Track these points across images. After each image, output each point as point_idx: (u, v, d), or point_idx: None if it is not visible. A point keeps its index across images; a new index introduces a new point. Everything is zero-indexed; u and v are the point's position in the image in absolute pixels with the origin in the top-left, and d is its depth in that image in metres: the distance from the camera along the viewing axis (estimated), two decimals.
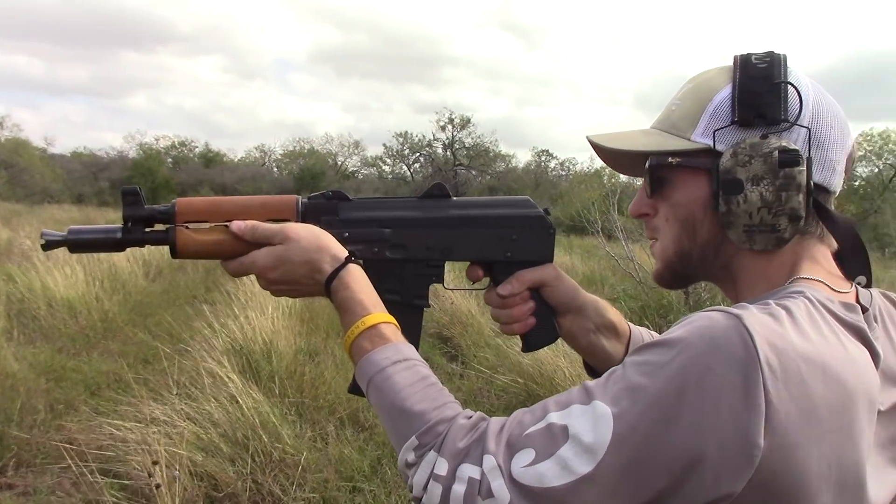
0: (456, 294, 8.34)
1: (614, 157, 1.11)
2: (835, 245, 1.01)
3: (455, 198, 1.25)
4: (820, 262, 0.99)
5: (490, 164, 41.67)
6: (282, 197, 1.23)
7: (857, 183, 35.96)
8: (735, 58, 1.00)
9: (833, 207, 1.01)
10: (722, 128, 0.98)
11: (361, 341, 1.04)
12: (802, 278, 0.95)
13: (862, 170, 36.88)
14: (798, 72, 0.99)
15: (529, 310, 1.25)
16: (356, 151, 50.56)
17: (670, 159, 1.01)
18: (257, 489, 3.82)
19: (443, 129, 41.12)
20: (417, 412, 0.94)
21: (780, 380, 0.79)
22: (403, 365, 0.99)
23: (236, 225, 1.16)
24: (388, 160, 45.62)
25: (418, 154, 43.19)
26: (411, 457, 0.91)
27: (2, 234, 13.67)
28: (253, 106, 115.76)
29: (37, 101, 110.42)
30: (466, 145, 40.95)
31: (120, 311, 8.49)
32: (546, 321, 1.26)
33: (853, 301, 0.95)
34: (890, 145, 36.13)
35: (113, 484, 3.79)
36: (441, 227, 1.23)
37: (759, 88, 0.96)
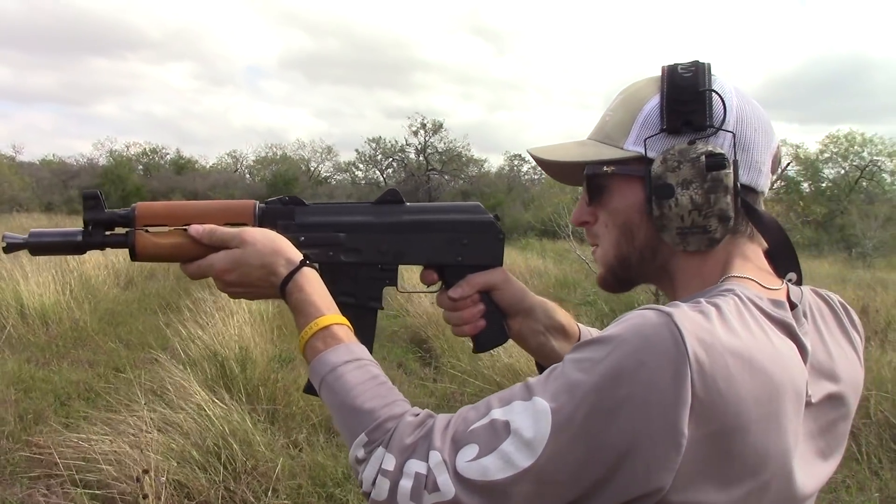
0: (431, 297, 8.37)
1: (555, 170, 1.16)
2: (765, 244, 1.06)
3: (408, 203, 1.28)
4: (751, 260, 1.03)
5: (463, 168, 41.73)
6: (239, 202, 1.26)
7: (823, 184, 36.47)
8: (662, 68, 1.05)
9: (762, 207, 1.05)
10: (652, 136, 1.02)
11: (314, 342, 1.07)
12: (734, 276, 1.00)
13: (829, 171, 37.42)
14: (722, 79, 1.04)
15: (479, 312, 1.28)
16: (329, 157, 50.49)
17: (605, 168, 1.05)
18: (230, 497, 3.81)
19: (415, 133, 41.19)
20: (367, 410, 0.97)
21: (707, 374, 0.83)
22: (355, 364, 1.03)
23: (194, 228, 1.20)
24: (361, 165, 45.63)
25: (391, 159, 43.17)
26: (361, 453, 0.95)
27: None
28: (224, 112, 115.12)
29: (3, 108, 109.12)
30: (439, 150, 41.01)
31: (90, 319, 8.43)
32: (496, 323, 1.30)
33: (782, 298, 0.99)
34: (855, 147, 36.59)
35: (84, 494, 3.77)
36: (394, 231, 1.27)
37: (685, 97, 1.01)
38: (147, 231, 1.22)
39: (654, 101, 1.03)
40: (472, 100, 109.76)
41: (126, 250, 1.24)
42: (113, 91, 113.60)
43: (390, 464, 0.91)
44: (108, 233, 1.24)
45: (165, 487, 3.72)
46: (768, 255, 1.06)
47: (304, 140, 76.74)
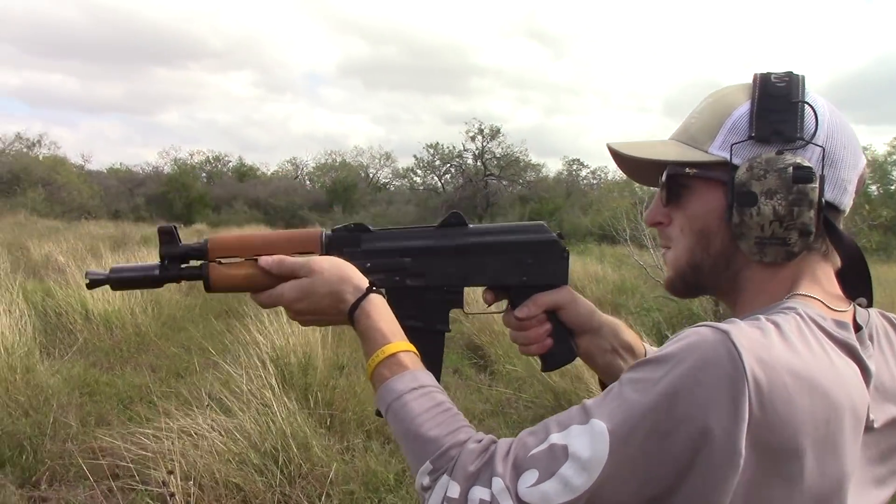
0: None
1: (633, 167, 1.15)
2: (838, 264, 1.03)
3: (471, 225, 1.29)
4: (820, 280, 1.01)
5: (520, 173, 41.59)
6: (306, 231, 1.29)
7: (893, 187, 35.40)
8: (755, 76, 1.03)
9: (841, 227, 1.03)
10: (739, 142, 1.01)
11: (381, 369, 1.09)
12: (799, 295, 0.98)
13: None
14: (815, 93, 1.02)
15: (546, 331, 1.29)
16: (387, 163, 50.87)
17: (688, 169, 1.04)
18: (285, 500, 3.86)
19: (473, 139, 41.16)
20: (431, 437, 0.98)
21: (765, 393, 0.82)
22: (420, 392, 1.04)
23: (264, 260, 1.22)
24: (419, 171, 45.79)
25: (449, 165, 43.26)
26: (426, 481, 0.96)
27: (40, 250, 13.89)
28: (284, 119, 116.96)
29: (73, 119, 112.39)
30: (497, 155, 40.91)
31: (153, 325, 8.62)
32: (563, 342, 1.30)
33: (847, 319, 0.97)
34: None
35: (144, 494, 3.85)
36: (458, 254, 1.28)
37: (777, 106, 0.99)
38: (220, 263, 1.26)
39: (744, 108, 1.02)
40: (529, 104, 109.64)
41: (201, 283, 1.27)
42: (177, 100, 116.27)
43: (455, 492, 0.92)
44: (183, 266, 1.27)
45: (224, 489, 3.79)
46: (840, 275, 1.03)
47: (362, 146, 77.33)
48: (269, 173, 51.70)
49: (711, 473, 0.83)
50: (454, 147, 42.55)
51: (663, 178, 1.07)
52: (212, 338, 6.39)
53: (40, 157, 36.97)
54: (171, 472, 3.57)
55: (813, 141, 0.98)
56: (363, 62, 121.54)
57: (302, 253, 1.26)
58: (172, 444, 4.05)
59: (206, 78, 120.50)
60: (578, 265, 15.58)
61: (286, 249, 1.25)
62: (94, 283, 1.26)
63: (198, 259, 1.27)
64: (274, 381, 4.78)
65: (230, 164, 50.96)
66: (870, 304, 1.02)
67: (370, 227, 1.29)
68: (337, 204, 39.05)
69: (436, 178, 44.53)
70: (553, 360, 1.31)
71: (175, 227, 1.27)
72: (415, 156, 45.32)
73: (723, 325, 0.87)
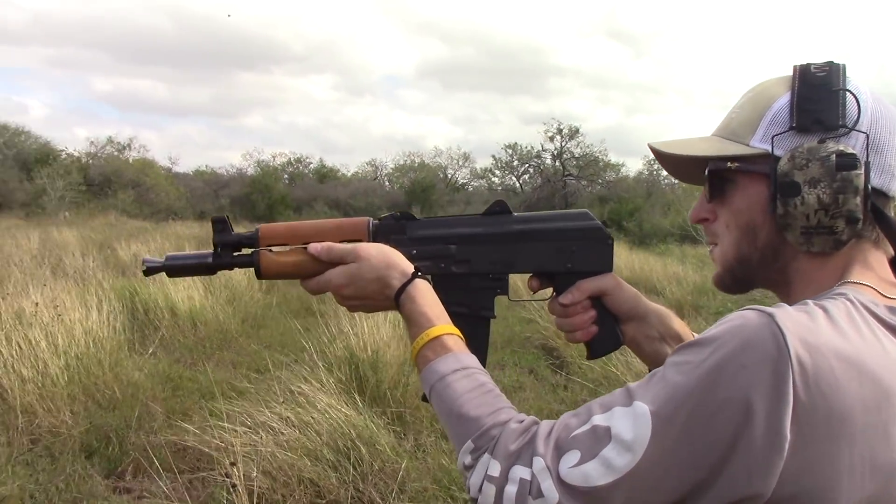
0: None
1: (676, 165, 1.16)
2: (892, 252, 1.01)
3: (515, 213, 1.31)
4: (872, 268, 0.99)
5: (600, 173, 41.08)
6: (354, 219, 1.32)
7: None
8: (794, 67, 1.03)
9: (893, 213, 1.01)
10: (780, 133, 1.00)
11: (425, 351, 1.10)
12: (850, 282, 0.97)
13: None
14: (858, 81, 1.01)
15: (591, 318, 1.29)
16: (465, 164, 50.92)
17: (729, 164, 1.04)
18: (359, 497, 3.91)
19: (551, 139, 40.85)
20: (473, 417, 0.99)
21: (810, 376, 0.81)
22: (462, 373, 1.05)
23: (313, 246, 1.25)
24: (498, 172, 45.69)
25: (527, 165, 43.06)
26: (468, 459, 0.97)
27: (129, 249, 14.36)
28: (363, 122, 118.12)
29: (161, 122, 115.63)
30: (575, 155, 40.54)
31: (234, 322, 8.84)
32: (608, 329, 1.30)
33: None
34: None
35: (222, 487, 3.95)
36: (503, 241, 1.29)
37: (818, 95, 0.99)
38: (270, 250, 1.29)
39: (785, 99, 1.02)
40: (609, 104, 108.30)
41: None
42: (260, 103, 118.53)
43: (496, 470, 0.93)
44: (235, 254, 1.32)
45: (298, 485, 3.86)
46: (893, 263, 1.01)
47: (441, 147, 77.63)
48: (349, 174, 52.32)
49: (755, 456, 0.82)
50: (532, 147, 42.36)
51: (706, 173, 1.07)
52: (290, 335, 6.50)
53: (130, 160, 38.20)
54: (233, 464, 3.65)
55: (856, 128, 0.97)
56: (441, 64, 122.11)
57: (350, 240, 1.28)
58: (250, 438, 4.15)
59: (288, 81, 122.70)
60: (659, 266, 15.36)
61: (335, 237, 1.28)
62: (150, 271, 1.31)
63: (249, 247, 1.31)
64: (345, 379, 4.85)
65: (311, 165, 51.70)
66: None
67: (416, 216, 1.32)
68: (415, 204, 39.29)
69: (514, 178, 44.42)
70: (599, 346, 1.32)
71: (227, 217, 1.32)
72: (493, 156, 45.47)
73: (768, 308, 0.86)
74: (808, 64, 1.02)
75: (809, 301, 0.91)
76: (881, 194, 0.99)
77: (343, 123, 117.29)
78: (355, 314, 6.77)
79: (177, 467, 4.29)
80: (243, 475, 3.87)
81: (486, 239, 1.30)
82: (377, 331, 6.02)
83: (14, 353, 5.25)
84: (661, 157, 1.14)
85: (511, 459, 0.92)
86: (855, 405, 0.83)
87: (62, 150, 36.40)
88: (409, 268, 1.21)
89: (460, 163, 50.78)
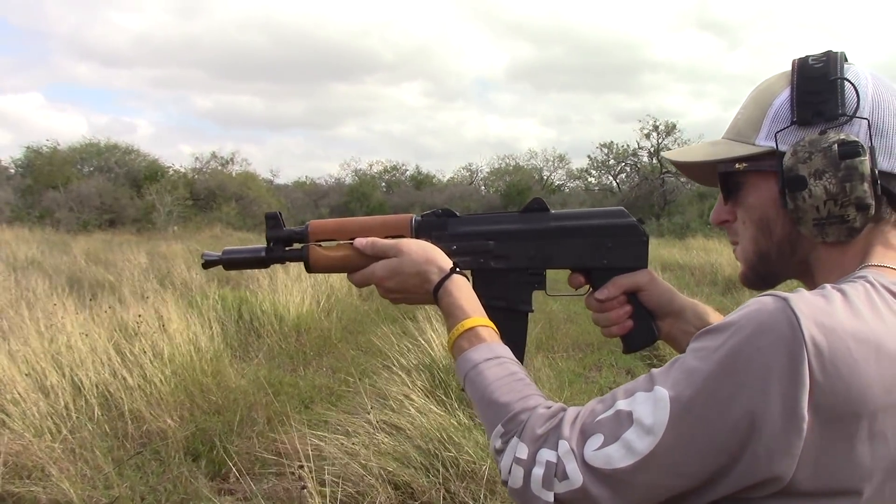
0: None
1: (693, 172, 1.19)
2: None
3: (553, 210, 1.34)
4: (894, 249, 1.00)
5: None
6: (398, 216, 1.38)
7: None
8: (793, 61, 1.05)
9: None
10: (783, 129, 1.02)
11: (460, 342, 1.15)
12: (871, 265, 0.97)
13: None
14: (858, 67, 1.02)
15: (626, 313, 1.33)
16: (561, 165, 50.71)
17: (737, 165, 1.06)
18: (451, 498, 3.95)
19: (647, 136, 40.31)
20: (503, 403, 1.03)
21: (826, 357, 0.82)
22: (494, 362, 1.10)
23: (358, 241, 1.32)
24: (594, 172, 45.32)
25: (623, 164, 42.57)
26: (498, 443, 1.01)
27: None
28: (456, 127, 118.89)
29: (260, 136, 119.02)
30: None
31: (335, 329, 9.05)
32: (644, 324, 1.33)
33: None
34: None
35: (320, 491, 4.05)
36: (541, 238, 1.33)
37: (816, 87, 1.00)
38: (320, 245, 1.36)
39: (785, 95, 1.03)
40: (705, 97, 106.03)
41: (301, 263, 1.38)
42: (354, 113, 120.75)
43: (524, 453, 0.96)
44: (287, 248, 1.39)
45: (388, 487, 3.93)
46: None
47: (535, 149, 77.30)
48: (444, 180, 52.73)
49: (774, 439, 0.83)
50: (628, 146, 41.87)
51: (718, 176, 1.09)
52: (386, 340, 6.62)
53: (234, 174, 39.43)
54: (301, 467, 3.75)
55: (857, 115, 0.98)
56: (531, 65, 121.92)
57: (394, 236, 1.34)
58: (342, 443, 4.25)
59: (381, 90, 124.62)
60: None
61: (379, 232, 1.34)
62: (208, 263, 1.40)
63: (300, 242, 1.38)
64: (431, 383, 4.91)
65: (407, 172, 52.39)
66: None
67: (457, 213, 1.36)
68: (511, 207, 39.21)
69: (611, 177, 43.95)
70: (634, 341, 1.34)
71: (279, 214, 1.39)
72: (588, 156, 44.97)
73: (783, 293, 0.88)
74: (806, 56, 1.04)
75: (828, 285, 0.92)
76: (893, 177, 0.99)
77: (436, 129, 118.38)
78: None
79: (276, 471, 4.42)
80: (336, 479, 3.96)
81: (524, 235, 1.33)
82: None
83: (122, 361, 5.51)
84: (677, 165, 1.18)
85: (538, 443, 0.95)
86: (873, 385, 0.83)
87: (169, 167, 37.85)
88: (448, 264, 1.26)
89: (556, 164, 50.67)
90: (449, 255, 1.29)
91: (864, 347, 0.84)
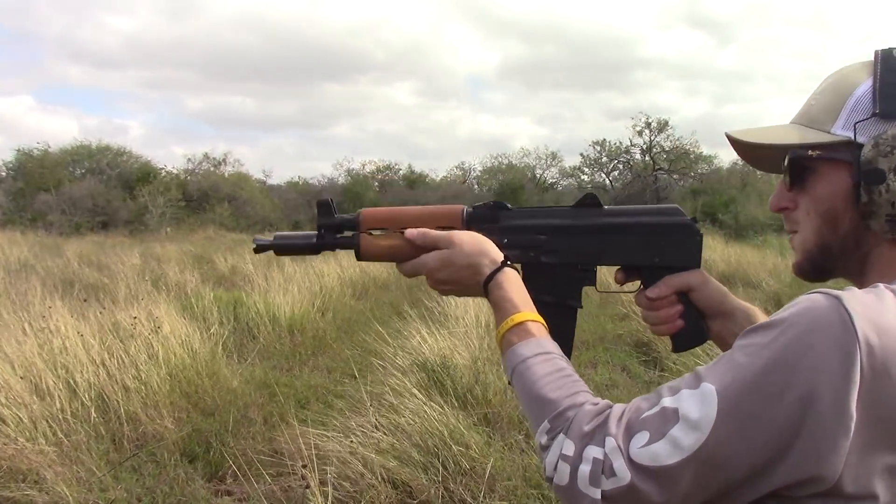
0: None
1: (754, 154, 1.17)
2: None
3: (606, 206, 1.33)
4: None
5: (691, 166, 40.20)
6: (449, 206, 1.37)
7: None
8: (876, 52, 1.02)
9: None
10: (863, 120, 1.00)
11: (510, 336, 1.14)
12: None
13: None
14: None
15: (677, 312, 1.31)
16: (554, 163, 50.64)
17: (811, 152, 1.04)
18: (449, 496, 3.95)
19: (640, 133, 40.27)
20: (551, 399, 1.02)
21: (878, 357, 0.82)
22: (543, 357, 1.09)
23: (409, 232, 1.32)
24: (587, 169, 45.29)
25: (616, 161, 42.58)
26: (544, 439, 1.00)
27: (226, 261, 14.80)
28: (449, 126, 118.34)
29: (252, 137, 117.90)
30: (665, 149, 39.85)
31: (330, 328, 9.03)
32: (694, 324, 1.32)
33: None
34: None
35: (319, 491, 4.04)
36: (592, 233, 1.32)
37: None
38: (371, 234, 1.36)
39: (867, 85, 1.01)
40: (697, 95, 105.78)
41: (352, 253, 1.38)
42: (346, 113, 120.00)
43: (570, 449, 0.95)
44: (338, 236, 1.39)
45: (387, 485, 3.92)
46: None
47: (528, 148, 77.28)
48: (437, 179, 52.61)
49: (822, 436, 0.83)
50: (621, 143, 41.87)
51: (786, 162, 1.06)
52: (382, 340, 6.60)
53: (226, 175, 39.30)
54: (304, 466, 3.73)
55: None
56: (522, 63, 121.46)
57: (445, 227, 1.33)
58: (340, 443, 4.24)
59: (373, 90, 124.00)
60: (756, 258, 14.99)
61: (430, 223, 1.34)
62: (260, 248, 1.41)
63: (351, 230, 1.38)
64: (428, 382, 4.90)
65: (400, 171, 52.24)
66: None
67: (508, 206, 1.35)
68: None
69: (603, 175, 43.97)
70: (683, 340, 1.33)
71: (331, 200, 1.39)
72: (581, 154, 44.98)
73: (835, 291, 0.87)
74: (890, 48, 1.01)
75: (880, 284, 0.91)
76: None
77: (429, 128, 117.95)
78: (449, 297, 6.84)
79: (274, 471, 4.40)
80: (335, 477, 3.96)
81: (575, 230, 1.33)
82: (447, 339, 6.07)
83: (117, 363, 5.48)
84: (739, 145, 1.15)
85: (585, 440, 0.95)
86: None
87: (162, 168, 37.68)
88: (499, 256, 1.25)
89: (549, 162, 50.58)
90: (500, 247, 1.28)
91: None
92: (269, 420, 5.41)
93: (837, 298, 0.85)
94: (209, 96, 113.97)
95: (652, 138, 40.08)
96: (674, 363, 6.76)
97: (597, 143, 42.94)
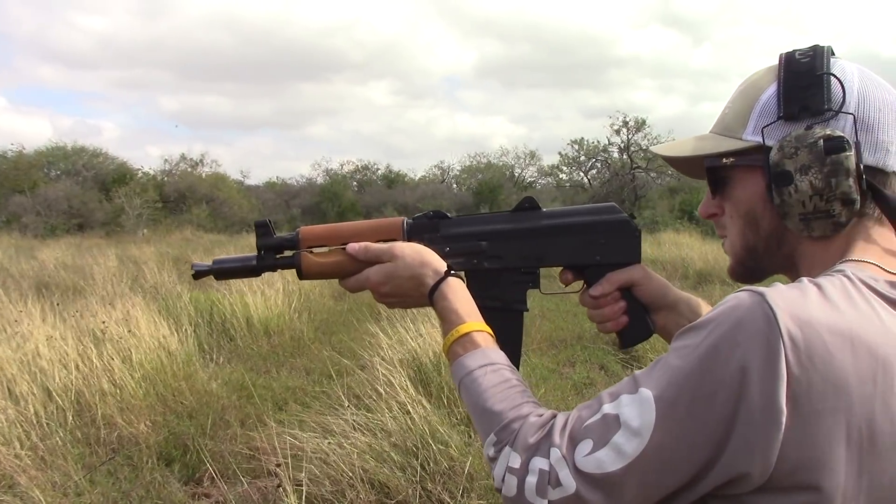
0: None
1: (681, 165, 1.20)
2: None
3: (544, 209, 1.34)
4: (876, 244, 1.01)
5: (669, 165, 40.46)
6: (389, 220, 1.37)
7: None
8: (780, 56, 1.05)
9: None
10: (769, 124, 1.03)
11: (455, 347, 1.15)
12: (850, 260, 0.98)
13: None
14: (844, 62, 1.03)
15: (621, 309, 1.32)
16: (532, 162, 50.80)
17: (724, 160, 1.07)
18: (427, 496, 3.95)
19: (617, 132, 40.37)
20: (497, 411, 1.03)
21: (802, 350, 0.83)
22: (489, 369, 1.10)
23: (351, 247, 1.31)
24: (565, 168, 45.38)
25: (594, 160, 42.70)
26: (492, 452, 1.01)
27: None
28: (426, 125, 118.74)
29: (228, 137, 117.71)
30: (643, 147, 40.03)
31: (308, 329, 9.01)
32: (639, 318, 1.33)
33: None
34: None
35: (295, 492, 4.03)
36: (533, 236, 1.33)
37: (802, 82, 1.01)
38: (311, 252, 1.34)
39: (772, 90, 1.04)
40: (673, 93, 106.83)
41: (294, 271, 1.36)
42: (322, 112, 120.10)
43: (516, 462, 0.97)
44: (278, 256, 1.37)
45: (365, 486, 3.92)
46: None
47: (506, 147, 77.34)
48: (416, 179, 52.60)
49: (754, 431, 0.84)
50: (598, 142, 41.98)
51: (705, 171, 1.10)
52: (360, 341, 6.60)
53: (203, 176, 39.07)
54: (278, 465, 3.74)
55: (843, 110, 0.98)
56: (499, 62, 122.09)
57: (386, 240, 1.33)
58: (318, 443, 4.23)
59: (349, 89, 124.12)
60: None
61: (371, 237, 1.33)
62: (199, 274, 1.38)
63: (291, 249, 1.36)
64: (408, 381, 4.91)
65: (378, 171, 52.19)
66: None
67: (448, 214, 1.36)
68: (483, 205, 39.33)
69: (581, 173, 44.09)
70: (629, 336, 1.34)
71: (269, 221, 1.38)
72: (559, 153, 45.02)
73: (760, 288, 0.89)
74: (793, 51, 1.05)
75: (804, 279, 0.93)
76: (878, 171, 1.00)
77: (406, 128, 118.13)
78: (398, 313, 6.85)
79: (250, 472, 4.39)
80: (312, 479, 3.95)
81: (516, 234, 1.33)
82: (438, 333, 6.05)
83: (92, 366, 5.44)
84: (666, 160, 1.19)
85: (530, 451, 0.96)
86: (849, 377, 0.84)
87: (138, 169, 37.43)
88: (443, 266, 1.25)
89: (527, 161, 50.73)
90: (442, 257, 1.28)
91: (839, 340, 0.85)
92: (245, 422, 5.39)
93: (761, 295, 0.87)
94: (184, 97, 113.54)
95: (629, 137, 40.25)
96: (650, 361, 6.78)
97: (575, 141, 43.04)
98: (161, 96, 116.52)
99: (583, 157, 42.95)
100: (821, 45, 1.03)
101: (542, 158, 60.73)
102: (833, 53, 1.04)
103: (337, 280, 1.35)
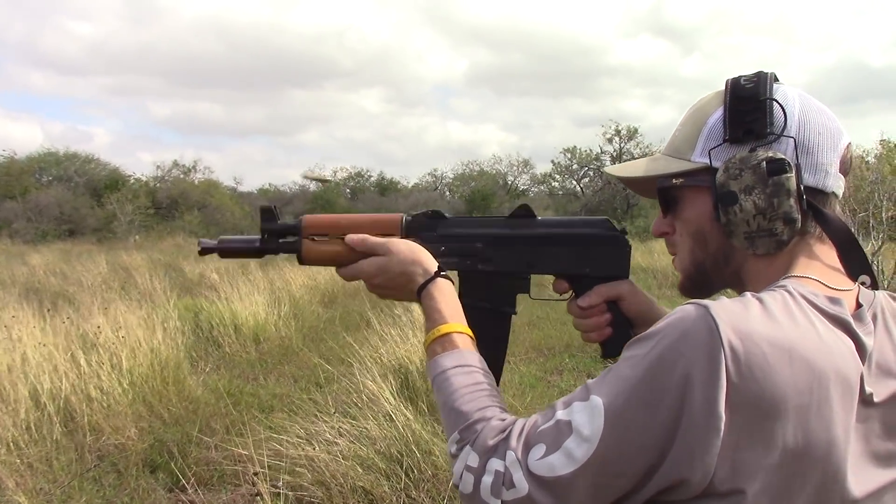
0: None
1: (635, 186, 1.25)
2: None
3: (540, 218, 1.39)
4: (818, 261, 1.06)
5: None
6: (389, 215, 1.42)
7: None
8: (726, 81, 1.10)
9: (836, 208, 1.08)
10: (716, 146, 1.08)
11: (434, 345, 1.19)
12: (793, 276, 1.03)
13: None
14: (786, 87, 1.08)
15: (606, 321, 1.37)
16: (525, 170, 50.88)
17: (674, 180, 1.12)
18: (411, 503, 3.97)
19: (610, 141, 40.57)
20: (463, 411, 1.08)
21: (742, 361, 0.88)
22: (463, 370, 1.14)
23: (350, 237, 1.37)
24: (558, 176, 45.53)
25: (587, 168, 42.81)
26: (454, 449, 1.06)
27: (195, 269, 14.71)
28: (418, 133, 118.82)
29: (220, 143, 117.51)
30: (635, 156, 40.13)
31: (296, 336, 9.02)
32: (622, 331, 1.36)
33: (844, 297, 1.01)
34: None
35: (280, 499, 4.05)
36: (527, 243, 1.37)
37: (747, 107, 1.06)
38: (313, 239, 1.40)
39: (718, 113, 1.09)
40: (663, 102, 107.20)
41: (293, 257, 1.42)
42: (314, 119, 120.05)
43: (475, 461, 1.01)
44: (280, 240, 1.43)
45: (352, 493, 3.94)
46: (840, 256, 1.07)
47: (499, 155, 77.31)
48: (409, 186, 52.61)
49: (694, 437, 0.89)
50: (591, 150, 42.11)
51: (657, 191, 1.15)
52: (349, 348, 6.62)
53: (196, 182, 39.01)
54: (255, 474, 3.76)
55: (784, 133, 1.04)
56: (490, 71, 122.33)
57: (384, 235, 1.38)
58: (303, 449, 4.25)
59: (341, 97, 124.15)
60: None
61: (370, 230, 1.38)
62: (204, 251, 1.45)
63: (293, 235, 1.42)
64: (393, 389, 4.93)
65: (371, 178, 52.22)
66: (874, 283, 1.06)
67: (446, 215, 1.40)
68: (476, 213, 39.34)
69: (574, 182, 44.18)
70: (612, 347, 1.37)
71: (275, 207, 1.44)
72: (552, 161, 45.14)
73: (705, 301, 0.94)
74: (738, 77, 1.10)
75: (748, 293, 0.97)
76: (818, 192, 1.05)
77: (398, 135, 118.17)
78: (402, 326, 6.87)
79: (235, 480, 4.41)
80: (298, 486, 3.97)
81: (511, 240, 1.37)
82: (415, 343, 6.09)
83: (81, 373, 5.46)
84: (620, 180, 1.25)
85: (489, 453, 1.00)
86: (787, 387, 0.89)
87: (130, 176, 37.41)
88: (433, 266, 1.30)
89: (520, 169, 50.81)
90: (437, 255, 1.33)
91: (778, 352, 0.89)
92: (231, 429, 5.40)
93: (706, 308, 0.91)
94: (176, 103, 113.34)
95: (622, 145, 40.38)
96: None
97: (567, 150, 43.21)
98: (153, 103, 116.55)
99: (575, 166, 43.08)
100: (765, 71, 1.08)
101: (536, 166, 60.83)
102: (777, 79, 1.09)
103: (333, 268, 1.40)
